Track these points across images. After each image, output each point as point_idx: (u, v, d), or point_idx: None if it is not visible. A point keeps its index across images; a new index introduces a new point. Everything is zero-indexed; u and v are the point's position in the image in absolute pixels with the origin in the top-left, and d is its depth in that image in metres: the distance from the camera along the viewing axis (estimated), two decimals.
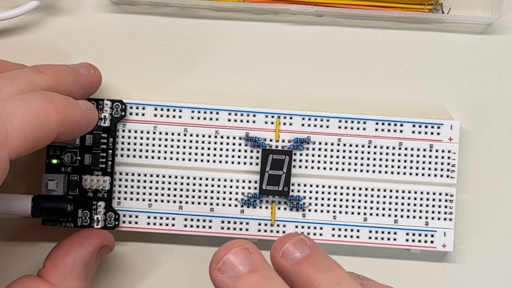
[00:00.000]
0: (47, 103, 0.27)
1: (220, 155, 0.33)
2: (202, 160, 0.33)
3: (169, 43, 0.34)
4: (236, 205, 0.33)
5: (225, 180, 0.33)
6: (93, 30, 0.34)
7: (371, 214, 0.33)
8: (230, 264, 0.24)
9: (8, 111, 0.26)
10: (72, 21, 0.34)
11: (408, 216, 0.33)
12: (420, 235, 0.33)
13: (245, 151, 0.33)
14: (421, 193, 0.33)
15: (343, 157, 0.33)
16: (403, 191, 0.33)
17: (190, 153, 0.33)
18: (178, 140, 0.33)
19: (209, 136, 0.33)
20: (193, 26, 0.34)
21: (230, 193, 0.33)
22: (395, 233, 0.33)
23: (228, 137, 0.33)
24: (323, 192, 0.33)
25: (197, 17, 0.34)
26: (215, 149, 0.33)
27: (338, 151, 0.33)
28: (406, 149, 0.33)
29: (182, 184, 0.33)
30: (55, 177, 0.32)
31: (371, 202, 0.33)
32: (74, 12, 0.34)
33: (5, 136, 0.25)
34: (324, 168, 0.33)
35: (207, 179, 0.33)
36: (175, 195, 0.33)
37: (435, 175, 0.33)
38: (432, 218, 0.33)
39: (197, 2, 0.34)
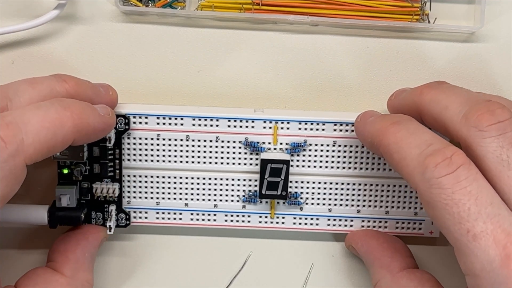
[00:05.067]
0: (63, 110, 0.27)
1: (222, 157, 0.33)
2: (204, 162, 0.33)
3: (175, 50, 0.35)
4: (238, 201, 0.34)
5: (227, 180, 0.34)
6: (105, 38, 0.35)
7: (363, 206, 0.34)
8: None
9: (24, 119, 0.26)
10: (86, 30, 0.35)
11: (398, 207, 0.34)
12: (409, 223, 0.34)
13: (245, 153, 0.33)
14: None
15: (338, 157, 0.33)
16: (394, 185, 0.34)
17: (193, 156, 0.33)
18: (181, 145, 0.33)
19: (210, 141, 0.33)
20: (198, 35, 0.35)
21: (232, 190, 0.34)
22: (386, 222, 0.34)
23: (228, 141, 0.33)
24: (319, 188, 0.34)
25: (201, 26, 0.35)
26: (216, 152, 0.33)
27: (333, 151, 0.33)
28: None
29: (187, 184, 0.34)
30: (67, 191, 0.32)
31: (364, 195, 0.34)
32: (88, 22, 0.35)
33: (20, 144, 0.25)
34: (320, 167, 0.33)
35: (210, 178, 0.33)
36: (181, 193, 0.34)
37: None
38: (421, 208, 0.34)
39: (201, 13, 0.34)
